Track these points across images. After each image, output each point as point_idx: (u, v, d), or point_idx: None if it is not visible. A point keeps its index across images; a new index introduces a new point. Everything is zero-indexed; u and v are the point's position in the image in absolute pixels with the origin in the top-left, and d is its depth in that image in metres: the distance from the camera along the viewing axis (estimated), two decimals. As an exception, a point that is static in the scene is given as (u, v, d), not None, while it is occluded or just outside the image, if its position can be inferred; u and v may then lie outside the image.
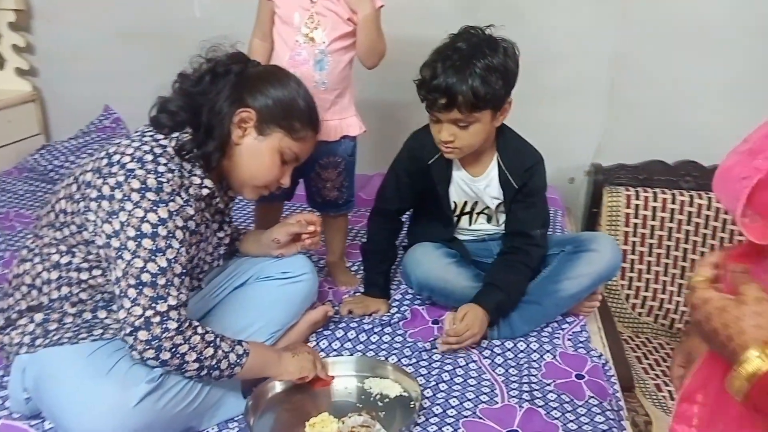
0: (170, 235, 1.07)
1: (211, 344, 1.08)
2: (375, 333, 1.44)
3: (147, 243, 1.05)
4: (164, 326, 1.04)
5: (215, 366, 1.09)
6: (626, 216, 2.03)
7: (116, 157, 1.09)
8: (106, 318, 1.17)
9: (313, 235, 1.38)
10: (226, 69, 1.20)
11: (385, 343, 1.42)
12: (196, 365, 1.07)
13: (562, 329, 1.46)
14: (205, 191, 1.18)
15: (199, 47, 1.22)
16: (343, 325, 1.46)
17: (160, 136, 1.15)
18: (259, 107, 1.19)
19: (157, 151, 1.12)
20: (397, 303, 1.56)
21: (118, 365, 1.08)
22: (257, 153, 1.20)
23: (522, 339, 1.42)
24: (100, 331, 1.14)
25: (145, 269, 1.05)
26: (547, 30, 2.07)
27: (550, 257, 1.50)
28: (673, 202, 2.00)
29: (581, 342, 1.42)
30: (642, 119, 2.12)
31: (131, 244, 1.05)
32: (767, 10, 1.90)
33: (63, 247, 1.14)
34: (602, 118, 2.12)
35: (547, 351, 1.38)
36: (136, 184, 1.06)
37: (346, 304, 1.52)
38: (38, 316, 1.16)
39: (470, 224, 1.54)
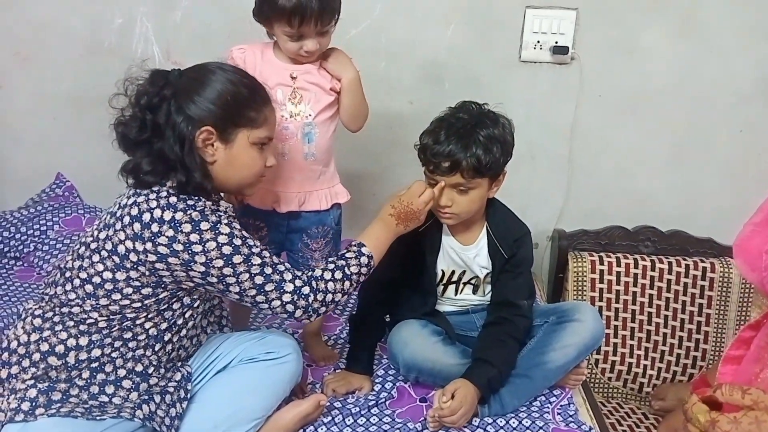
0: (244, 239, 1.15)
1: (343, 278, 1.23)
2: (362, 416, 1.38)
3: (237, 259, 1.13)
4: (306, 300, 1.18)
5: (358, 278, 1.27)
6: (592, 281, 2.06)
7: (146, 216, 1.11)
8: (113, 396, 1.13)
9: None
10: (159, 96, 1.16)
11: (374, 425, 1.36)
12: (348, 291, 1.25)
13: (551, 402, 1.44)
14: (229, 210, 1.23)
15: (116, 87, 1.19)
16: (327, 405, 1.38)
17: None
18: (210, 119, 1.16)
19: (172, 191, 1.14)
20: (381, 379, 1.50)
21: None
22: (235, 159, 1.20)
23: (513, 415, 1.39)
24: (115, 410, 1.10)
25: (253, 275, 1.15)
26: (507, 101, 2.13)
27: (534, 328, 1.49)
28: (636, 267, 2.05)
29: (571, 416, 1.40)
30: (600, 185, 2.19)
31: (228, 270, 1.13)
32: (705, 83, 2.03)
33: (115, 307, 1.15)
34: (563, 185, 2.18)
35: (540, 428, 1.35)
36: (187, 228, 1.10)
37: (329, 384, 1.46)
38: (43, 384, 1.11)
39: (456, 294, 1.53)
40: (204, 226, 1.11)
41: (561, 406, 1.44)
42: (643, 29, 2.01)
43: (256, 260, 1.16)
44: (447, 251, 1.48)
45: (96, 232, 1.17)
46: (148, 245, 1.10)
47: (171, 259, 1.11)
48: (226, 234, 1.13)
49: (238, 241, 1.14)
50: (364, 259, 1.27)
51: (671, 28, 2.01)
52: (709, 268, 2.02)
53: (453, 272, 1.50)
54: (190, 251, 1.10)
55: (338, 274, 1.23)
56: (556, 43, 2.00)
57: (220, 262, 1.12)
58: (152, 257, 1.11)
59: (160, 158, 1.15)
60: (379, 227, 1.34)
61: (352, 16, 1.73)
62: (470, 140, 1.33)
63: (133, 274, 1.14)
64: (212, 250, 1.11)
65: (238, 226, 1.17)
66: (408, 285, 1.52)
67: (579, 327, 1.45)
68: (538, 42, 2.02)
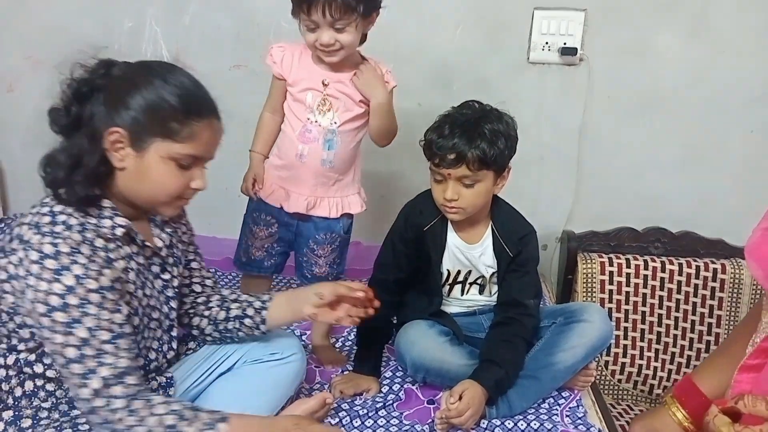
0: (84, 302, 0.99)
1: (171, 429, 1.00)
2: (369, 417, 1.38)
3: (60, 316, 0.99)
4: (111, 407, 0.99)
5: None
6: (601, 282, 2.05)
7: (16, 231, 1.03)
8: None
9: (359, 303, 1.26)
10: (91, 86, 1.06)
11: (381, 427, 1.36)
12: None
13: (559, 405, 1.43)
14: (119, 231, 1.07)
15: (59, 71, 1.09)
16: (335, 407, 1.39)
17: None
18: (127, 122, 1.04)
19: (57, 209, 1.04)
20: (388, 381, 1.50)
21: None
22: (144, 170, 1.06)
23: (521, 417, 1.39)
24: (86, 427, 1.05)
25: (67, 344, 0.99)
26: (515, 102, 2.13)
27: (542, 329, 1.49)
28: (646, 269, 2.03)
29: (580, 418, 1.39)
30: (609, 187, 2.17)
31: (45, 321, 0.99)
32: (716, 84, 2.02)
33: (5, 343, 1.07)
34: (572, 186, 2.17)
35: (548, 430, 1.34)
36: (34, 255, 0.99)
37: (337, 386, 1.46)
38: (7, 414, 1.06)
39: (462, 294, 1.52)
40: (49, 263, 0.98)
41: (570, 407, 1.43)
42: (652, 30, 2.00)
43: (80, 332, 0.99)
44: (452, 251, 1.48)
45: None
46: (4, 261, 1.03)
47: (14, 283, 1.02)
48: (66, 285, 0.98)
49: (73, 300, 0.98)
50: None
51: (682, 29, 1.99)
52: (719, 269, 2.01)
53: (459, 272, 1.50)
54: (26, 282, 0.99)
55: (170, 419, 1.01)
56: (565, 44, 2.00)
57: (42, 308, 0.99)
58: (3, 275, 1.03)
59: (76, 152, 1.05)
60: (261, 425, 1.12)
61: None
62: (475, 133, 1.34)
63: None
64: (41, 291, 0.98)
65: (93, 286, 1.00)
66: (414, 286, 1.52)
67: (587, 327, 1.44)
68: (547, 43, 2.01)
